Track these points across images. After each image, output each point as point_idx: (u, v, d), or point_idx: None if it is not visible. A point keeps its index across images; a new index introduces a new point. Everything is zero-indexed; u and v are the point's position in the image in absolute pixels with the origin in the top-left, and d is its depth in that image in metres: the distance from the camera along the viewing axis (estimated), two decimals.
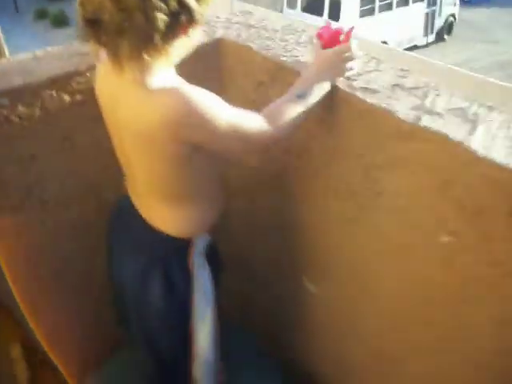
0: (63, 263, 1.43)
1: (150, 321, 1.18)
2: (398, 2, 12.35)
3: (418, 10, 12.51)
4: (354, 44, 1.05)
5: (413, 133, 0.93)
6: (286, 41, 1.30)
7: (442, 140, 0.88)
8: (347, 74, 1.07)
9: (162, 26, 0.83)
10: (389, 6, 12.24)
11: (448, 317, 0.98)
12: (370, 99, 1.00)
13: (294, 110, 0.99)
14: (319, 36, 1.10)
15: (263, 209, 1.52)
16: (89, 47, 0.88)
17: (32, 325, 1.48)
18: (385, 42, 11.18)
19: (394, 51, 9.91)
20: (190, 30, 0.90)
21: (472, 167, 0.85)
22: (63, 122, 1.24)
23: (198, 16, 0.88)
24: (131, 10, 0.79)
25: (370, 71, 1.12)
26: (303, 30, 1.37)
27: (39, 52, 1.26)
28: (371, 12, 12.01)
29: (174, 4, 0.83)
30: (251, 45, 1.29)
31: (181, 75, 1.34)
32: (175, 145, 0.92)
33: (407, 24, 12.23)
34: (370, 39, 10.13)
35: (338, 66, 1.05)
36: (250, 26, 1.42)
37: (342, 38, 1.07)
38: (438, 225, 0.95)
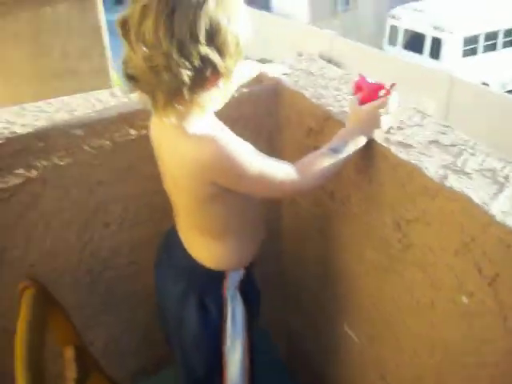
0: (119, 280, 1.56)
1: (185, 342, 1.27)
2: (504, 43, 11.88)
3: None
4: (392, 100, 1.09)
5: (438, 191, 0.94)
6: (340, 90, 1.36)
7: (464, 201, 0.89)
8: (383, 128, 1.11)
9: (188, 80, 0.89)
10: (493, 47, 11.81)
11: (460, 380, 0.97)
12: (403, 154, 1.03)
13: (325, 164, 1.04)
14: (357, 88, 1.14)
15: (310, 249, 1.57)
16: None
17: (88, 334, 1.63)
18: (486, 84, 10.77)
19: (491, 94, 9.51)
20: (219, 82, 0.96)
21: (490, 231, 0.85)
22: (129, 153, 1.38)
23: (222, 70, 0.93)
24: (159, 69, 0.88)
25: (412, 126, 1.15)
26: None
27: (115, 90, 1.42)
28: (474, 52, 11.64)
29: (197, 61, 0.89)
30: (305, 92, 1.36)
31: (240, 116, 1.46)
32: (207, 186, 1.01)
33: None
34: (470, 80, 9.86)
35: (374, 120, 1.09)
36: (310, 74, 1.49)
37: (381, 93, 1.11)
38: (458, 284, 0.95)
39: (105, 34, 5.80)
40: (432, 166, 0.98)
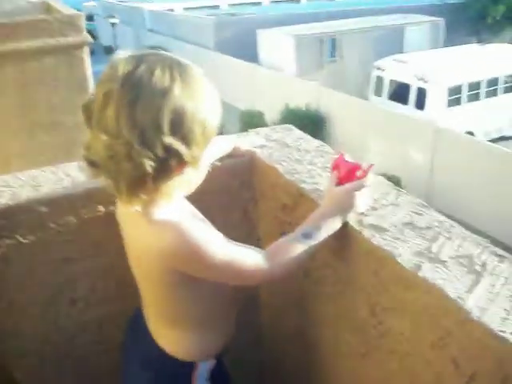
0: (87, 360, 1.47)
1: None
2: (487, 92, 12.19)
3: (508, 101, 12.23)
4: (369, 181, 1.06)
5: (412, 281, 0.90)
6: (314, 164, 1.33)
7: (439, 294, 0.84)
8: (360, 209, 1.07)
9: (151, 170, 0.85)
10: (477, 96, 12.10)
11: None
12: (376, 239, 0.99)
13: (296, 251, 1.00)
14: (335, 166, 1.12)
15: (289, 326, 1.50)
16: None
17: None
18: (471, 133, 10.96)
19: (476, 143, 9.66)
20: (185, 169, 0.91)
21: (466, 327, 0.80)
22: (96, 229, 1.33)
23: (188, 159, 0.89)
24: (119, 158, 0.84)
25: (387, 205, 1.11)
26: (334, 154, 1.40)
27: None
28: (458, 102, 11.91)
29: (160, 151, 0.85)
30: (278, 166, 1.33)
31: (215, 189, 1.42)
32: (170, 274, 0.96)
33: (496, 114, 11.97)
34: (455, 130, 10.03)
35: (348, 203, 1.05)
36: (285, 145, 1.47)
37: (359, 173, 1.08)
38: (436, 380, 0.89)
39: (91, 88, 5.85)
40: (406, 252, 0.94)
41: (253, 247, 1.02)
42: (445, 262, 0.91)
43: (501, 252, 0.93)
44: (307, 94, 13.02)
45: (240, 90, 16.34)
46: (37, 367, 1.44)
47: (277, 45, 16.06)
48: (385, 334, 1.01)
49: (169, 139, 0.86)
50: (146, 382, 1.15)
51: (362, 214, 1.08)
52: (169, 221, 0.94)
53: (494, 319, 0.77)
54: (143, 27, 24.51)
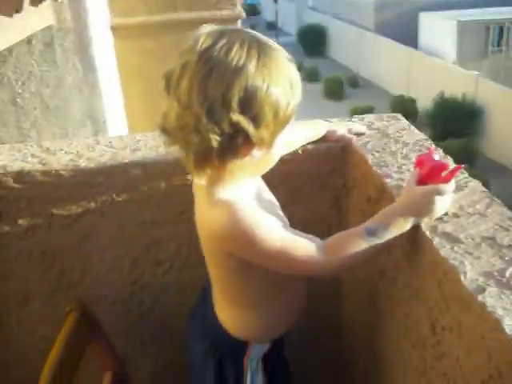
0: (168, 317, 1.56)
1: None
2: None
3: None
4: (452, 184, 0.95)
5: (470, 303, 0.79)
6: (408, 159, 1.23)
7: (495, 325, 0.73)
8: (438, 215, 0.97)
9: (216, 145, 0.85)
10: None
11: None
12: (445, 250, 0.89)
13: (357, 248, 0.93)
14: (419, 163, 1.02)
15: (365, 324, 1.43)
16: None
17: (134, 363, 1.66)
18: None
19: None
20: (253, 151, 0.90)
21: None
22: (183, 197, 1.37)
23: (256, 140, 0.87)
24: (188, 129, 0.86)
25: (472, 214, 0.99)
26: (436, 148, 1.27)
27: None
28: None
29: (227, 127, 0.84)
30: (369, 156, 1.26)
31: (306, 172, 1.39)
32: (225, 255, 0.97)
33: None
34: None
35: (425, 207, 0.94)
36: (385, 135, 1.38)
37: (444, 174, 0.97)
38: None
39: None
40: (473, 270, 0.83)
41: (313, 237, 0.98)
42: None
43: None
44: (465, 84, 12.07)
45: (394, 75, 15.73)
46: (122, 316, 1.57)
47: (438, 30, 15.06)
48: (442, 356, 0.92)
49: (237, 116, 0.85)
50: (201, 352, 1.18)
51: (440, 219, 0.97)
52: (225, 202, 0.93)
53: None
54: (305, 4, 24.56)
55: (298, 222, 1.37)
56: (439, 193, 0.94)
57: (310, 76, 18.57)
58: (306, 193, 1.43)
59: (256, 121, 0.86)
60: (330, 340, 1.66)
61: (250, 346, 1.12)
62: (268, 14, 28.96)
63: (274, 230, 0.94)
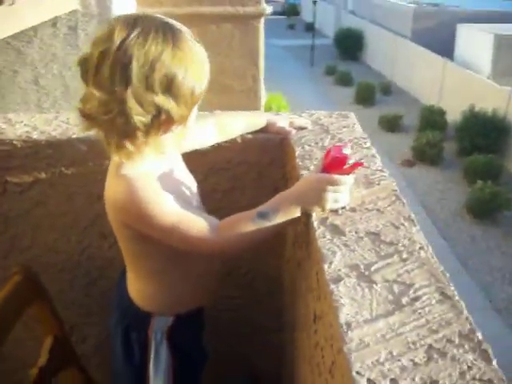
0: (113, 289, 1.63)
1: (114, 372, 1.28)
2: None
3: None
4: (350, 179, 0.98)
5: (326, 292, 0.82)
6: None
7: (334, 311, 0.76)
8: (333, 206, 1.00)
9: (142, 125, 0.92)
10: None
11: None
12: (323, 241, 0.92)
13: (247, 229, 0.98)
14: (326, 154, 1.04)
15: (303, 315, 1.47)
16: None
17: (82, 330, 1.73)
18: None
19: None
20: (173, 127, 0.98)
21: (339, 360, 0.72)
22: None
23: (177, 117, 0.95)
24: (113, 113, 0.91)
25: (370, 210, 1.02)
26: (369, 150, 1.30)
27: None
28: None
29: (152, 108, 0.92)
30: (298, 149, 1.29)
31: (246, 161, 1.43)
32: (123, 226, 1.03)
33: None
34: None
35: (315, 194, 0.97)
36: (325, 131, 1.41)
37: (345, 167, 1.00)
38: None
39: (261, 58, 6.13)
40: (340, 262, 0.86)
41: (209, 217, 1.03)
42: (374, 282, 0.81)
43: (450, 293, 0.79)
44: (497, 99, 11.82)
45: (427, 84, 15.51)
46: (68, 284, 1.64)
47: (475, 42, 14.77)
48: (316, 344, 0.95)
49: (160, 98, 0.92)
50: (114, 321, 1.25)
51: (335, 212, 1.00)
52: (126, 176, 0.99)
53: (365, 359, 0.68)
54: (344, 8, 24.40)
55: (240, 209, 1.42)
56: (331, 182, 0.96)
57: (342, 80, 18.47)
58: (247, 181, 1.47)
59: (176, 100, 0.94)
60: (274, 333, 1.70)
61: (153, 317, 1.17)
62: (307, 15, 28.91)
63: (169, 207, 0.99)
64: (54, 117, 1.53)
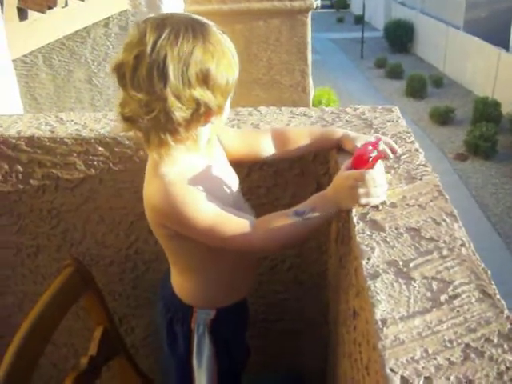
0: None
1: (163, 362, 1.33)
2: None
3: None
4: (376, 172, 0.97)
5: (363, 288, 0.82)
6: None
7: (371, 307, 0.76)
8: (367, 201, 0.99)
9: (183, 120, 0.96)
10: None
11: None
12: (362, 236, 0.91)
13: (284, 226, 1.00)
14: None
15: (340, 311, 1.47)
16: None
17: (131, 322, 1.79)
18: None
19: None
20: (212, 117, 1.02)
21: (373, 356, 0.71)
22: None
23: (214, 107, 0.99)
24: (156, 113, 0.95)
25: (412, 205, 1.00)
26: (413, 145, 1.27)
27: None
28: None
29: (191, 103, 0.96)
30: None
31: (289, 160, 1.43)
32: (160, 227, 1.07)
33: None
34: None
35: (349, 191, 0.98)
36: (368, 126, 1.39)
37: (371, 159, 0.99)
38: None
39: (309, 52, 6.09)
40: (379, 258, 0.86)
41: (246, 215, 1.05)
42: (412, 279, 0.81)
43: (491, 291, 0.78)
44: None
45: (481, 76, 14.95)
46: (118, 277, 1.71)
47: None
48: (355, 340, 0.95)
49: (198, 92, 0.96)
50: (159, 311, 1.30)
51: (376, 208, 1.00)
52: (164, 177, 1.01)
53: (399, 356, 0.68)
54: None
55: (283, 205, 1.44)
56: (356, 178, 0.97)
57: (393, 72, 18.08)
58: (289, 177, 1.48)
59: (213, 91, 0.98)
60: (318, 326, 1.71)
61: (195, 310, 1.20)
62: (357, 8, 28.41)
63: (205, 208, 1.00)
64: (102, 115, 1.59)
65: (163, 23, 0.95)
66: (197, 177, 1.04)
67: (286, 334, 1.77)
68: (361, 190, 0.97)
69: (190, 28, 0.95)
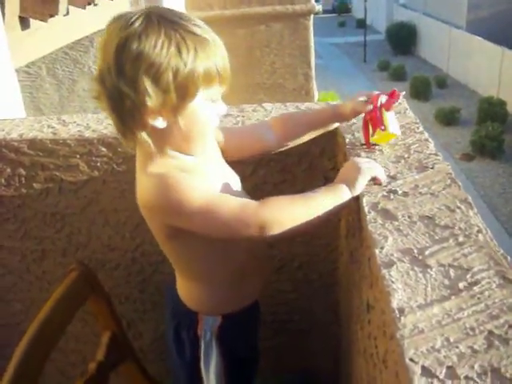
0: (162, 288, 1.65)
1: (171, 367, 1.29)
2: None
3: None
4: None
5: (377, 277, 0.79)
6: None
7: (387, 299, 0.73)
8: (371, 172, 0.99)
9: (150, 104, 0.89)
10: None
11: None
12: (374, 225, 0.88)
13: (290, 205, 0.95)
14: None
15: (353, 308, 1.43)
16: None
17: (138, 326, 1.76)
18: None
19: None
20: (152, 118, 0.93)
21: (392, 346, 0.68)
22: None
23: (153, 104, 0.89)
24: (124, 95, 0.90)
25: (424, 194, 0.97)
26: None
27: None
28: None
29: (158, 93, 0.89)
30: (347, 136, 1.26)
31: (296, 153, 1.41)
32: (161, 225, 1.01)
33: None
34: None
35: (352, 176, 0.98)
36: None
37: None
38: None
39: (312, 56, 6.08)
40: (392, 246, 0.82)
41: (245, 197, 1.01)
42: (428, 267, 0.77)
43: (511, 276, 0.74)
44: None
45: (485, 75, 14.89)
46: (124, 280, 1.68)
47: None
48: (369, 334, 0.91)
49: (145, 84, 0.88)
50: (166, 318, 1.26)
51: (387, 197, 0.96)
52: (158, 173, 0.96)
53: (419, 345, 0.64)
54: (396, 1, 23.86)
55: None
56: (355, 161, 1.03)
57: (396, 75, 18.04)
58: (297, 173, 1.45)
59: (160, 86, 0.90)
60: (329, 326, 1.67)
61: (200, 317, 1.15)
62: (358, 12, 28.45)
63: (199, 189, 0.94)
64: (105, 116, 1.57)
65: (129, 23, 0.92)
66: (191, 174, 0.98)
67: (297, 334, 1.73)
68: (366, 164, 0.99)
69: (155, 21, 0.91)
